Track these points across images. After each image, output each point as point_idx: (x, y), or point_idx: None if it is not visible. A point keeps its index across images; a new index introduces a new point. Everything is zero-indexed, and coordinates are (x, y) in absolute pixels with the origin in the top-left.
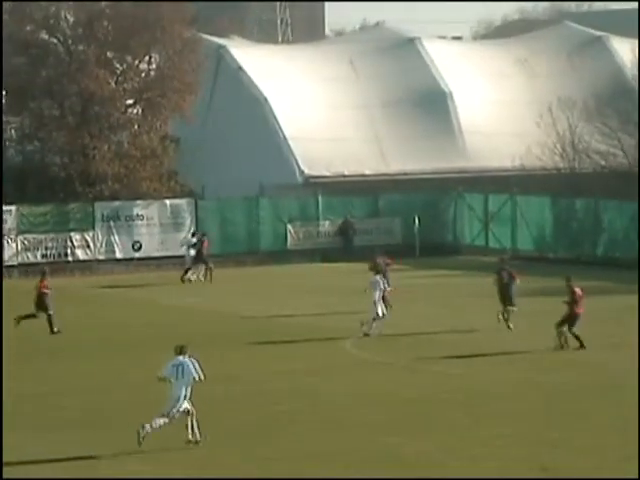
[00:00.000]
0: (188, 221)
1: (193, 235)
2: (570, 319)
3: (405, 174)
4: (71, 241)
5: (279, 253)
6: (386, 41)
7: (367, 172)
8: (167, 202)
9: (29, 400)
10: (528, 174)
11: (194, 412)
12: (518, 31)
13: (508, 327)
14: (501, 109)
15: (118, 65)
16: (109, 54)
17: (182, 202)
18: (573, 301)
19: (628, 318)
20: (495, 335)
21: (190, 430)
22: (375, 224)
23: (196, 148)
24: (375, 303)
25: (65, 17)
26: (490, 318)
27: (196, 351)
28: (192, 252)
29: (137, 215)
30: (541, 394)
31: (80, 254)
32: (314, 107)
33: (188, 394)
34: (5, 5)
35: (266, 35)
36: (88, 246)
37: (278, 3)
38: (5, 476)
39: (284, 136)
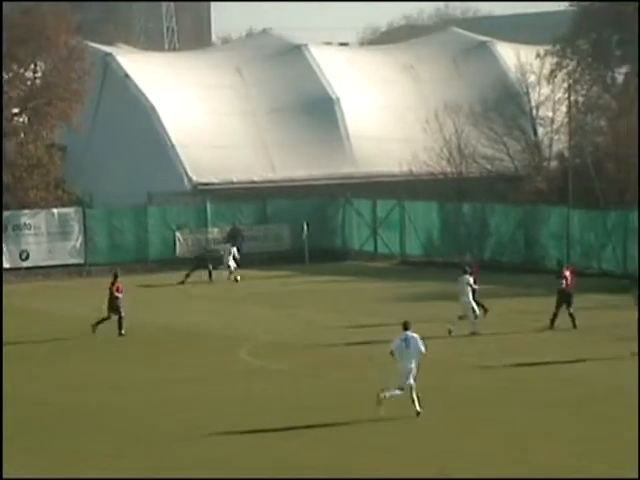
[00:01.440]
0: (76, 230)
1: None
2: None
3: (293, 180)
4: None
5: (168, 261)
6: (272, 48)
7: (255, 179)
8: (55, 211)
9: None
10: (416, 179)
11: (413, 387)
12: (404, 37)
13: (574, 326)
14: (388, 115)
15: (3, 73)
16: None
17: (70, 211)
18: None
19: (519, 321)
20: (387, 340)
21: (415, 403)
22: (264, 231)
23: (84, 156)
24: (470, 303)
25: None
26: (381, 321)
27: (86, 361)
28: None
29: (24, 224)
30: (441, 399)
31: None
32: (201, 115)
33: (415, 366)
34: None
35: (153, 43)
36: None
37: (164, 10)
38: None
39: (172, 144)
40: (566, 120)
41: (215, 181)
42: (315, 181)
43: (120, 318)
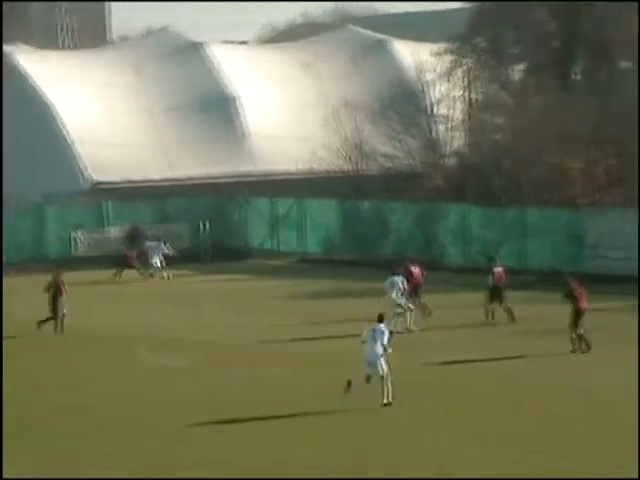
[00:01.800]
0: None
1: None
2: (577, 316)
3: (192, 179)
4: None
5: (67, 260)
6: (170, 46)
7: (155, 177)
8: None
9: None
10: (315, 177)
11: (388, 376)
12: (303, 35)
13: (512, 319)
14: (287, 113)
15: None
16: None
17: None
18: (573, 297)
19: (422, 319)
20: (289, 339)
21: (385, 393)
22: (164, 229)
23: None
24: (396, 301)
25: None
26: (276, 319)
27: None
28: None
29: None
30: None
31: None
32: (100, 113)
33: (383, 357)
34: None
35: (52, 41)
36: None
37: (58, 9)
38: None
39: (70, 142)
40: (464, 117)
41: (114, 180)
42: (214, 179)
43: (62, 315)
